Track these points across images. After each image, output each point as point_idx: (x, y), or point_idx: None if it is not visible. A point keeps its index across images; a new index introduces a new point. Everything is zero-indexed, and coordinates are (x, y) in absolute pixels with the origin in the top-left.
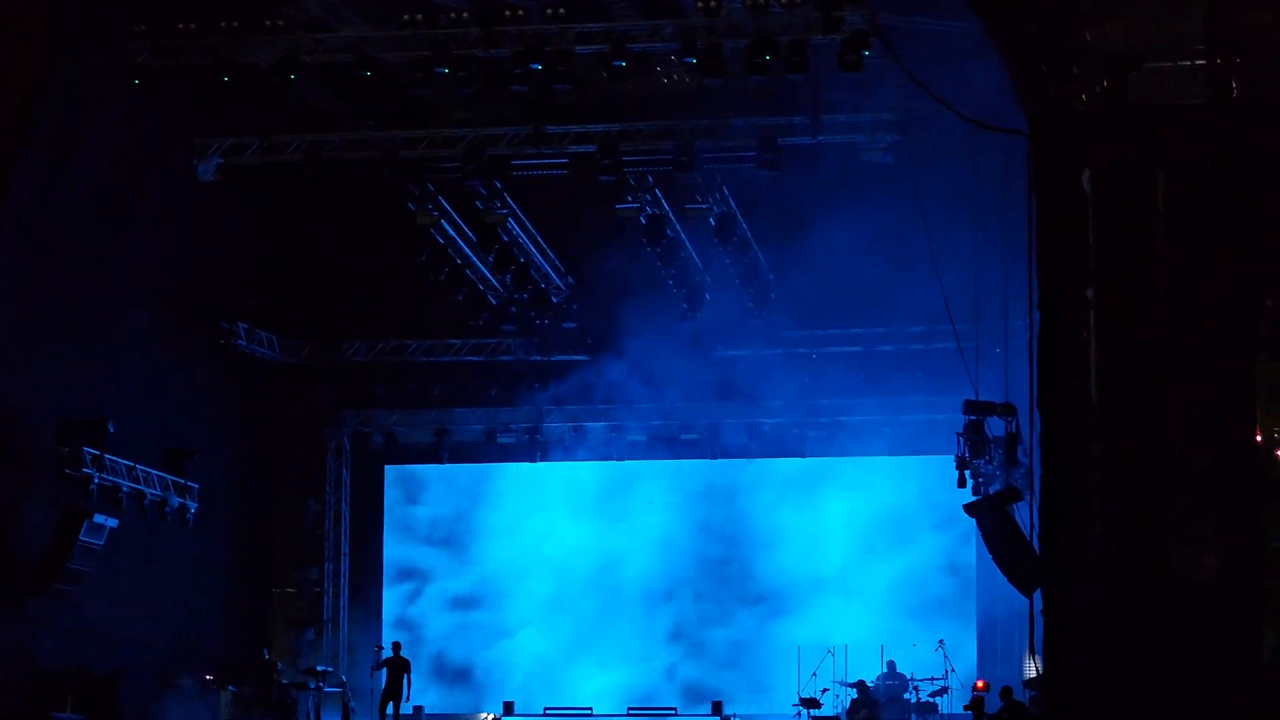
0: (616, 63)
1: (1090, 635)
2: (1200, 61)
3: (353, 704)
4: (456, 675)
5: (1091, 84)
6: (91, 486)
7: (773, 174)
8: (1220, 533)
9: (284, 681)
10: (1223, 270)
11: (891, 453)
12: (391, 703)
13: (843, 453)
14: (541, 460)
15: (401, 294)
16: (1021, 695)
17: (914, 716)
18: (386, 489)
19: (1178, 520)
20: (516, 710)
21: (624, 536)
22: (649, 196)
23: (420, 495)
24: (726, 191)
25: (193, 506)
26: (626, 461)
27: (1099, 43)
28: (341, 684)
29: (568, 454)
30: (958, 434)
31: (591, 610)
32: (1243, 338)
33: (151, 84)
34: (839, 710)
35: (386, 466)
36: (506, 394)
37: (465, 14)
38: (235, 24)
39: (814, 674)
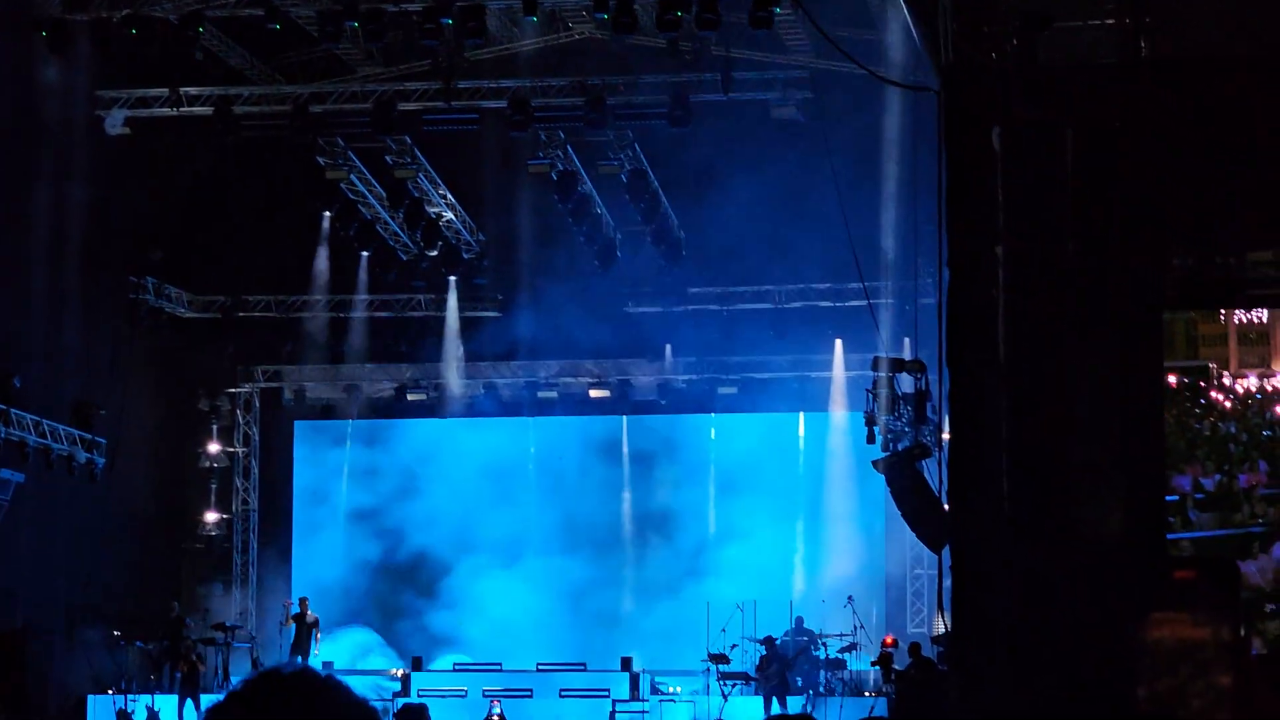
0: (528, 18)
1: (997, 592)
2: (1110, 21)
3: (261, 659)
4: (363, 633)
5: (1002, 42)
6: None
7: (684, 130)
8: (1127, 492)
9: (192, 637)
10: (1131, 229)
11: (801, 409)
12: (300, 658)
13: (753, 409)
14: (450, 417)
15: (312, 249)
16: (930, 652)
17: (823, 672)
18: (296, 445)
19: (1085, 479)
20: (425, 666)
21: (533, 492)
22: (560, 153)
23: (329, 451)
24: (638, 148)
25: (100, 461)
26: (536, 418)
27: (1009, 1)
28: (250, 639)
29: (477, 410)
30: (867, 390)
31: (500, 566)
32: (1151, 296)
33: (57, 36)
34: (748, 666)
35: (296, 422)
36: (416, 350)
37: None
38: None
39: (723, 630)
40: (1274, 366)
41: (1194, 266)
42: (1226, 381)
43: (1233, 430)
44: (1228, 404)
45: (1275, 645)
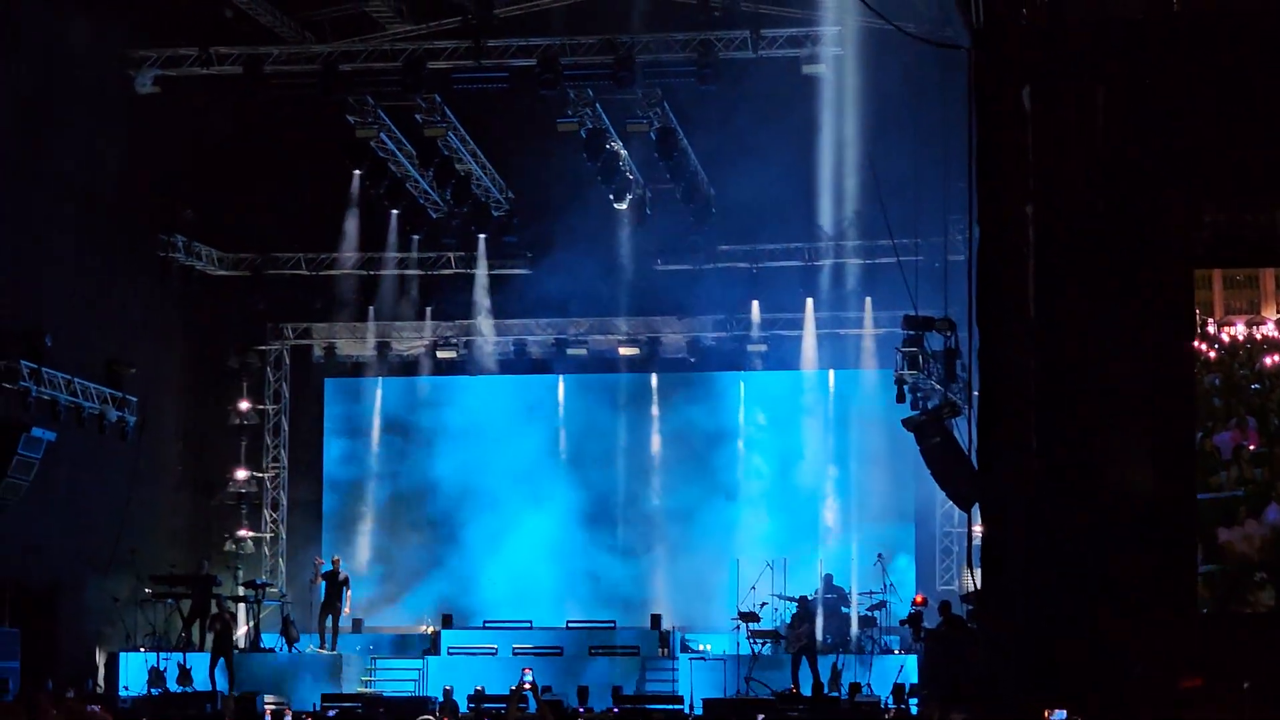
0: None
1: (1027, 549)
2: None
3: (292, 617)
4: (390, 590)
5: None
6: (29, 400)
7: (712, 88)
8: (1157, 446)
9: (223, 595)
10: (1161, 185)
11: (830, 366)
12: (330, 616)
13: (782, 366)
14: (479, 374)
15: (343, 207)
16: (960, 609)
17: (853, 630)
18: (326, 402)
19: (1115, 434)
20: (455, 624)
21: (563, 450)
22: (589, 111)
23: (359, 409)
24: (667, 106)
25: (131, 420)
26: (566, 374)
27: None
28: (281, 597)
29: (506, 367)
30: (897, 349)
31: (532, 524)
32: (1182, 253)
33: None
34: (778, 624)
35: (326, 379)
36: (446, 307)
37: None
38: None
39: (753, 588)
40: (1264, 313)
41: (1225, 224)
42: (1211, 329)
43: (1216, 383)
44: (1211, 354)
45: (1266, 617)
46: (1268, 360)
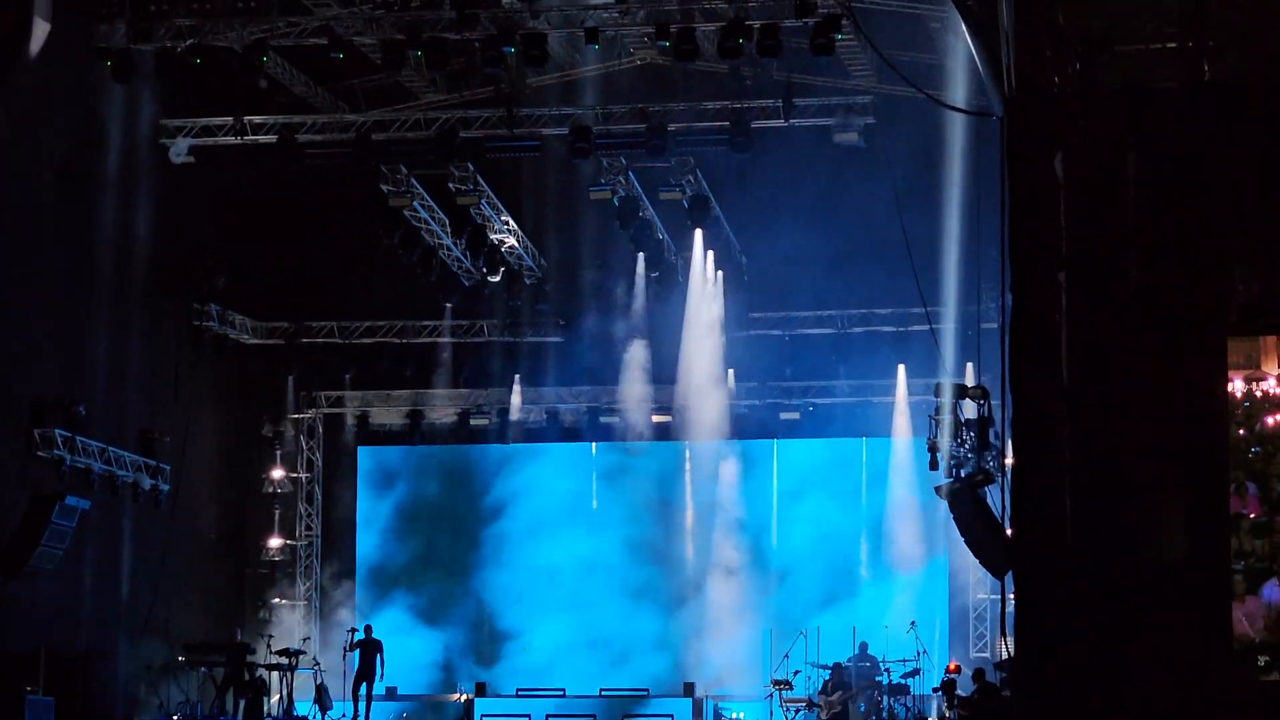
0: (590, 45)
1: (1061, 617)
2: (1173, 45)
3: (325, 685)
4: (428, 656)
5: (1064, 66)
6: (63, 469)
7: (744, 156)
8: (1190, 514)
9: (257, 663)
10: (1194, 252)
11: (864, 434)
12: (365, 684)
13: (815, 434)
14: (514, 442)
15: (374, 276)
16: (993, 677)
17: (886, 698)
18: (359, 469)
19: (1148, 502)
20: (489, 692)
21: (595, 518)
22: (621, 179)
23: (394, 477)
24: (699, 173)
25: (165, 488)
26: (599, 442)
27: (1071, 25)
28: (315, 665)
29: (539, 435)
30: (930, 416)
31: (566, 592)
32: (1214, 319)
33: (123, 65)
34: (811, 692)
35: (359, 448)
36: (479, 376)
37: None
38: (208, 6)
39: (786, 656)
40: (1263, 368)
41: (1258, 291)
42: None
43: None
44: None
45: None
46: (1269, 420)
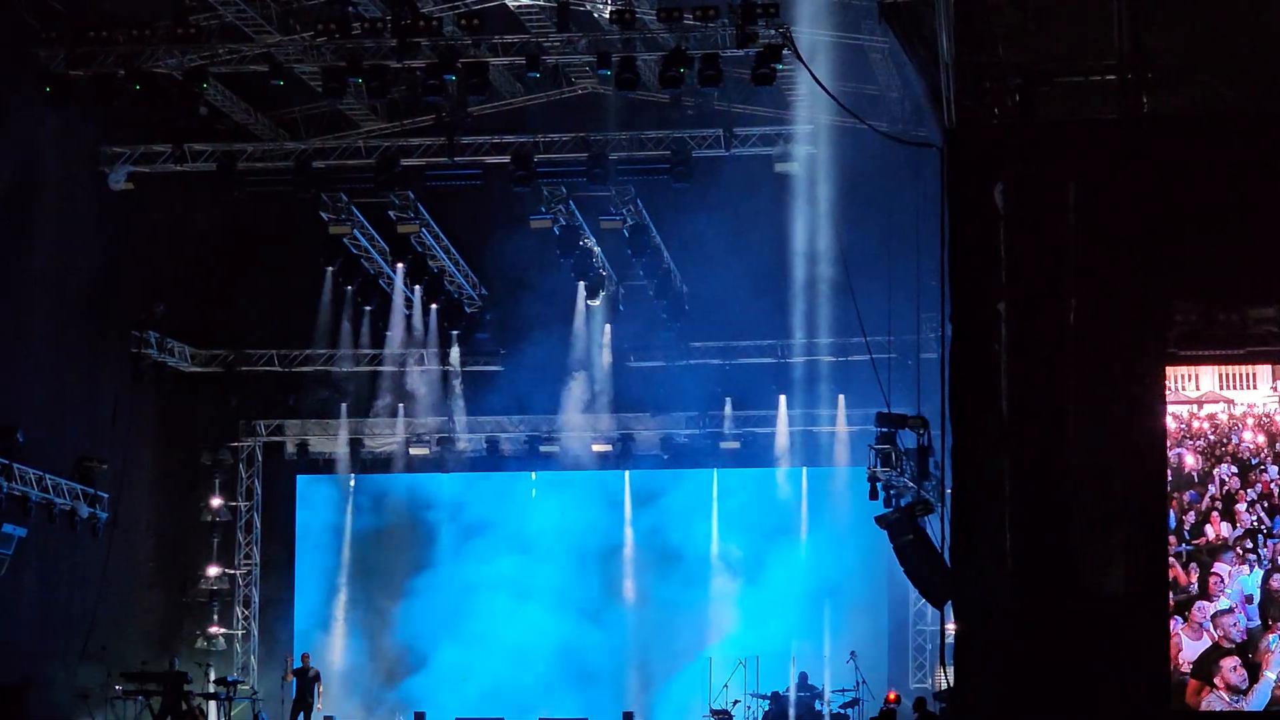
0: (531, 74)
1: (1000, 647)
2: (1112, 77)
3: (263, 714)
4: (367, 686)
5: (1003, 98)
6: (0, 496)
7: (685, 186)
8: (1129, 545)
9: (194, 692)
10: (1133, 283)
11: (804, 464)
12: (302, 713)
13: (754, 464)
14: (453, 471)
15: (314, 303)
16: (934, 707)
17: None
18: (298, 498)
19: (1087, 532)
20: (428, 719)
21: (535, 547)
22: (562, 207)
23: (331, 506)
24: (640, 203)
25: (103, 516)
26: (538, 472)
27: (1011, 57)
28: (252, 694)
29: (480, 465)
30: (870, 446)
31: (505, 621)
32: (1153, 351)
33: (62, 91)
34: None
35: (298, 476)
36: (418, 404)
37: (379, 24)
38: (148, 32)
39: (725, 685)
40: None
41: (1197, 321)
42: None
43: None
44: None
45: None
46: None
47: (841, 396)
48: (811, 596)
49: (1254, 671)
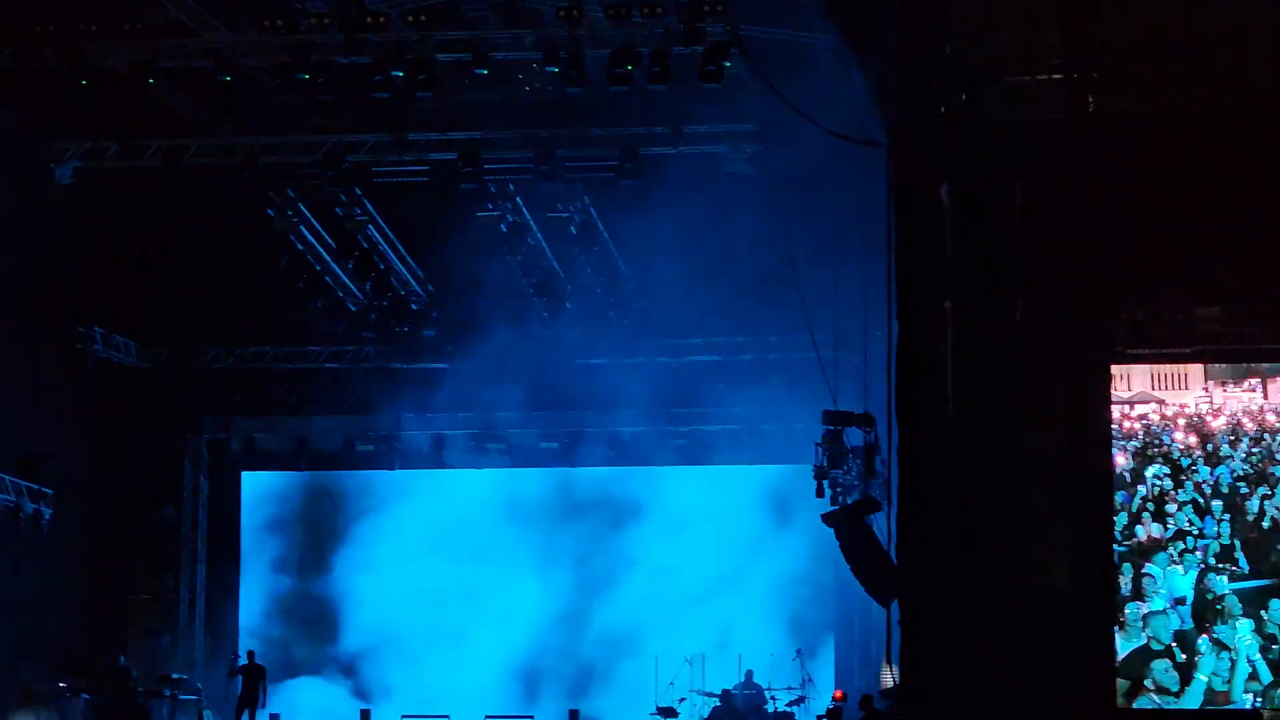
0: (478, 70)
1: (946, 645)
2: (1058, 76)
3: (208, 711)
4: (312, 683)
5: (950, 97)
6: None
7: (634, 183)
8: (1074, 543)
9: (139, 689)
10: (1079, 282)
11: (750, 462)
12: (247, 710)
13: (702, 462)
14: (400, 468)
15: (261, 300)
16: (880, 705)
17: None
18: (244, 495)
19: (1032, 530)
20: (373, 717)
21: (481, 544)
22: (510, 204)
23: (277, 503)
24: (588, 200)
25: (47, 513)
26: (485, 470)
27: (958, 56)
28: (197, 691)
29: (426, 462)
30: (816, 444)
31: (448, 617)
32: (1099, 349)
33: (6, 86)
34: (696, 719)
35: (244, 473)
36: (365, 401)
37: (326, 20)
38: (94, 27)
39: (671, 683)
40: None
41: (1142, 321)
42: None
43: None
44: None
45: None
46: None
47: (788, 394)
48: (758, 594)
49: (1185, 673)
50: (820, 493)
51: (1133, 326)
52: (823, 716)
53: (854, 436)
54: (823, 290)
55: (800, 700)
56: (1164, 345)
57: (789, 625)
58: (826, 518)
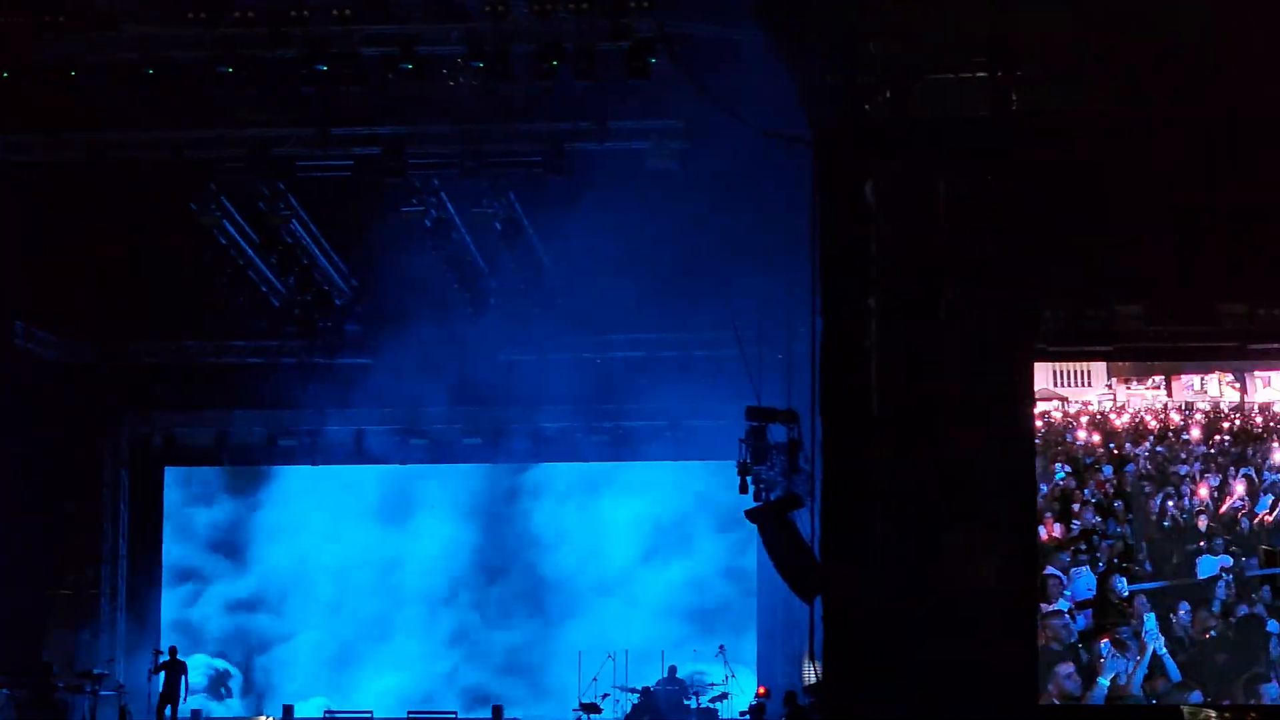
0: (404, 65)
1: (869, 641)
2: (982, 74)
3: (129, 707)
4: (235, 679)
5: (875, 95)
6: None
7: (559, 179)
8: (998, 540)
9: (59, 684)
10: (1003, 279)
11: (674, 458)
12: (169, 706)
13: (625, 457)
14: (323, 464)
15: (184, 295)
16: (804, 701)
17: None
18: (166, 490)
19: (957, 526)
20: (296, 714)
21: (405, 540)
22: (435, 200)
23: (200, 497)
24: (513, 196)
25: None
26: (408, 465)
27: (883, 54)
28: (118, 687)
29: (349, 457)
30: (740, 440)
31: (372, 614)
32: (1022, 347)
33: None
34: (619, 715)
35: (166, 468)
36: (288, 397)
37: (251, 14)
38: (17, 19)
39: (595, 679)
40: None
41: (1064, 318)
42: None
43: None
44: None
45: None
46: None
47: (713, 390)
48: (681, 590)
49: (1089, 678)
50: (744, 489)
51: (1055, 324)
52: (746, 713)
53: (778, 433)
54: (747, 286)
55: (723, 697)
56: (1087, 342)
57: (712, 621)
58: (750, 514)
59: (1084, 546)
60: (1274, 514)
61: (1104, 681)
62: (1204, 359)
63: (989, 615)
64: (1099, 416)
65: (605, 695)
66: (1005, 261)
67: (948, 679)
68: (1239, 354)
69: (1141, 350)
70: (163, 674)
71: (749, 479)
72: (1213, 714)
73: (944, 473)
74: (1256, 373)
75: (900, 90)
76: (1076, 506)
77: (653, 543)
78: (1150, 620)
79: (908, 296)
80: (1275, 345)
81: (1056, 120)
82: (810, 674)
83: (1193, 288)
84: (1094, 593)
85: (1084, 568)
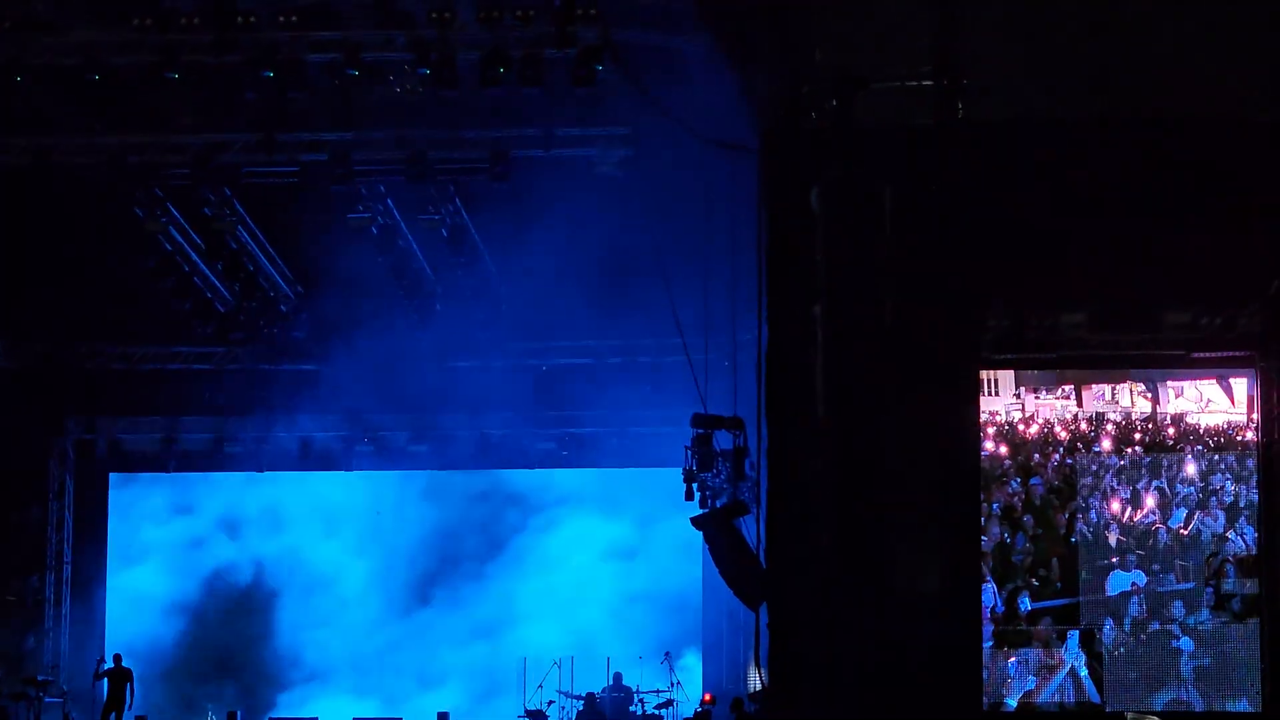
0: (349, 71)
1: (814, 647)
2: (928, 82)
3: (73, 714)
4: (181, 685)
5: (820, 103)
6: None
7: (505, 185)
8: (942, 549)
9: (3, 691)
10: (947, 288)
11: (620, 464)
12: (114, 713)
13: (571, 464)
14: (268, 470)
15: (129, 300)
16: (750, 707)
17: None
18: (111, 496)
19: (902, 535)
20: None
21: (350, 546)
22: (380, 206)
23: (145, 504)
24: (459, 202)
25: None
26: (354, 471)
27: (829, 62)
28: (62, 694)
29: (295, 464)
30: (686, 447)
31: (317, 619)
32: (966, 353)
33: None
34: None
35: (111, 474)
36: (234, 402)
37: (197, 20)
38: None
39: (540, 685)
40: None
41: (1009, 326)
42: None
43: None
44: None
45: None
46: None
47: (658, 397)
48: (627, 597)
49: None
50: (689, 496)
51: (999, 332)
52: (690, 719)
53: (723, 440)
54: (693, 293)
55: (669, 703)
56: (1031, 350)
57: (657, 628)
58: (696, 521)
59: (990, 564)
60: (1188, 528)
61: (1011, 703)
62: (1147, 367)
63: (933, 621)
64: (1007, 427)
65: (550, 702)
66: (949, 270)
67: (891, 687)
68: (1183, 362)
69: (1085, 358)
70: (106, 681)
71: (695, 485)
72: (1155, 718)
73: (888, 481)
74: (1169, 383)
75: (845, 99)
76: (983, 520)
77: (598, 549)
78: (1072, 638)
79: (852, 304)
80: (1219, 354)
81: (1002, 129)
82: (756, 681)
83: (1136, 296)
84: (1002, 609)
85: (989, 584)
